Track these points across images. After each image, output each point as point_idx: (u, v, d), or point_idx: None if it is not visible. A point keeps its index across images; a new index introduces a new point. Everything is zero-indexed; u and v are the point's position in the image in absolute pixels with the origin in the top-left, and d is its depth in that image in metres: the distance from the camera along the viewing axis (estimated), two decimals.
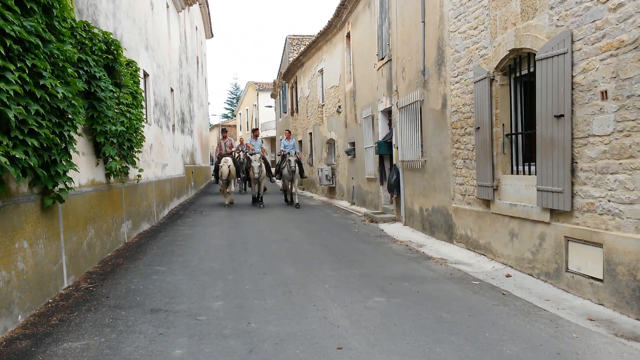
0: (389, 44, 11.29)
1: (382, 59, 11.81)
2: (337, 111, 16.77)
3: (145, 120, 9.05)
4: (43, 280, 4.78)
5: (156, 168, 11.24)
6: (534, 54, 5.97)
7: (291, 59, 24.19)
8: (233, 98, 72.79)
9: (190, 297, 5.20)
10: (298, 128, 23.85)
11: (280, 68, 28.77)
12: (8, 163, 3.56)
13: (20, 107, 3.75)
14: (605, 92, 4.80)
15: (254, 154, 14.34)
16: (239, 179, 17.98)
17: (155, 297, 5.14)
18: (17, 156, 3.71)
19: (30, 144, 3.98)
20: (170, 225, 10.53)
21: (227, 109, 71.46)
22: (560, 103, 5.41)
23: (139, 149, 8.39)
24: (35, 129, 4.04)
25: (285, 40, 26.47)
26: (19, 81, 3.73)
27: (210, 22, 26.15)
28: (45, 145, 4.33)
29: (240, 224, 10.77)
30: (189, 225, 10.58)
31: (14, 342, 3.86)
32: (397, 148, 10.98)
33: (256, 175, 13.46)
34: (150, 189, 10.38)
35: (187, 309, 4.79)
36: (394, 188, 11.05)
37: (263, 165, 13.69)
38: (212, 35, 27.88)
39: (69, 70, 4.78)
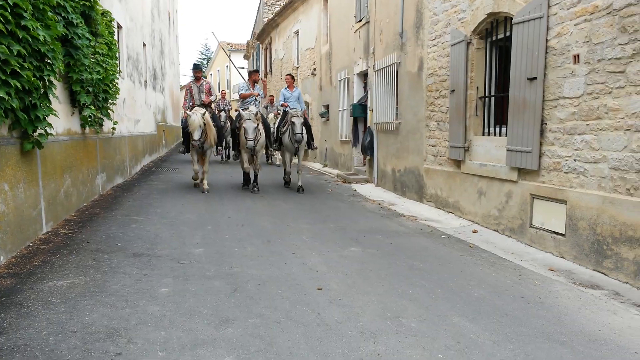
0: (367, 6, 11.27)
1: (360, 20, 11.79)
2: (312, 74, 16.72)
3: (119, 73, 8.89)
4: (23, 224, 4.79)
5: (129, 123, 11.09)
6: (511, 18, 6.13)
7: (266, 20, 23.77)
8: (203, 59, 71.11)
9: (170, 243, 5.30)
10: (272, 90, 23.66)
11: (254, 28, 28.25)
12: None
13: (3, 46, 3.70)
14: (578, 55, 5.02)
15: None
16: (219, 147, 14.09)
17: (137, 243, 5.23)
18: (1, 96, 3.68)
19: (12, 84, 3.94)
20: (144, 180, 10.49)
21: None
22: (533, 66, 5.61)
23: (114, 101, 8.27)
24: (18, 70, 3.99)
25: (260, 0, 25.91)
26: (1, 19, 3.66)
27: None
28: (26, 88, 4.28)
29: (217, 178, 10.81)
30: (162, 181, 10.56)
31: None
32: (372, 110, 11.12)
33: (250, 143, 8.69)
34: (123, 143, 10.27)
35: (169, 254, 4.90)
36: (368, 150, 11.24)
37: (261, 127, 9.18)
38: None
39: (49, 13, 4.68)
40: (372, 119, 11.11)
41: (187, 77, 53.58)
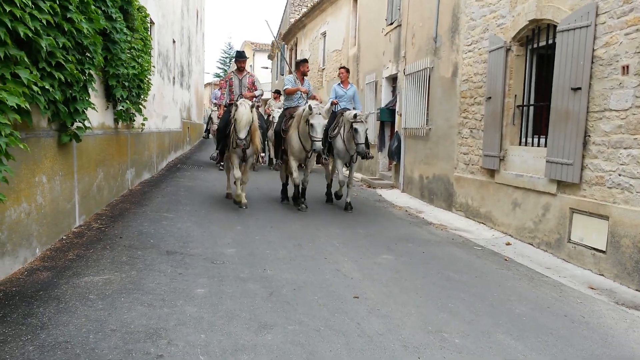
0: (399, 9, 11.15)
1: (391, 24, 11.67)
2: (338, 76, 16.61)
3: (153, 69, 8.92)
4: (58, 217, 4.79)
5: (157, 119, 11.13)
6: (554, 26, 5.96)
7: (292, 20, 23.77)
8: (226, 57, 71.51)
9: (202, 242, 5.26)
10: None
11: (279, 29, 28.28)
12: (40, 92, 3.52)
13: (51, 38, 3.69)
14: (627, 67, 4.84)
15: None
16: (262, 155, 8.86)
17: (169, 241, 5.19)
18: (46, 87, 3.66)
19: (56, 77, 3.93)
20: (170, 177, 10.51)
21: (219, 67, 70.27)
22: (578, 76, 5.45)
23: (145, 97, 8.29)
24: (62, 63, 3.98)
25: (287, 0, 25.93)
26: (50, 11, 3.65)
27: None
28: (68, 80, 4.27)
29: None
30: (188, 178, 10.57)
31: (34, 272, 3.89)
32: (401, 115, 10.99)
33: (318, 144, 6.95)
34: (152, 139, 10.31)
35: (201, 253, 4.86)
36: (395, 155, 11.11)
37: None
38: None
39: (92, 7, 4.68)
40: (401, 124, 10.98)
41: (209, 74, 53.84)
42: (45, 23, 3.53)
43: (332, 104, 8.48)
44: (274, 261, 4.79)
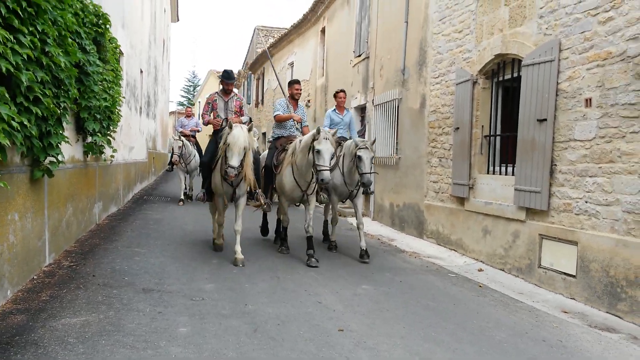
0: (367, 42, 11.46)
1: (359, 55, 11.97)
2: (307, 105, 16.82)
3: (123, 100, 8.82)
4: (29, 256, 4.61)
5: (124, 150, 10.94)
6: (519, 60, 6.26)
7: (259, 50, 24.02)
8: (190, 86, 71.26)
9: (179, 278, 5.15)
10: (262, 120, 23.73)
11: (246, 58, 28.50)
12: (18, 128, 3.44)
13: (30, 73, 3.63)
14: (590, 99, 5.12)
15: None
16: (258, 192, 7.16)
17: (144, 278, 5.06)
18: (24, 123, 3.58)
19: (34, 112, 3.85)
20: (137, 209, 10.29)
21: (183, 96, 69.89)
22: (543, 108, 5.71)
23: (115, 129, 8.17)
24: (40, 97, 3.91)
25: (254, 30, 26.24)
26: (31, 45, 3.60)
27: (177, 4, 25.56)
28: (44, 115, 4.19)
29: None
30: (156, 210, 10.36)
31: (8, 316, 3.72)
32: None
33: (326, 174, 5.80)
34: (119, 171, 10.11)
35: (179, 289, 4.75)
36: None
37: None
38: (178, 19, 27.25)
39: (69, 40, 4.63)
40: None
41: (173, 102, 53.51)
42: (25, 57, 3.48)
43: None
44: (255, 295, 4.73)
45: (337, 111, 7.85)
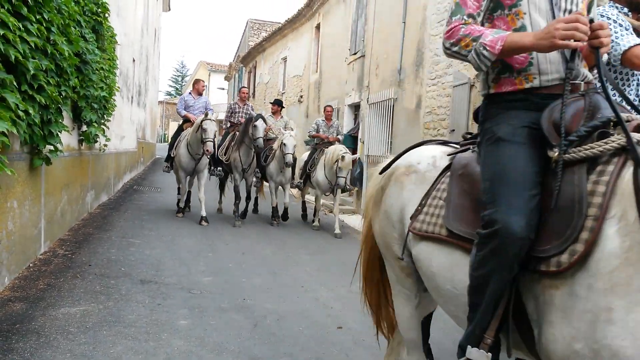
0: (363, 40, 11.49)
1: (355, 54, 12.00)
2: (299, 101, 16.83)
3: (118, 89, 8.74)
4: (26, 243, 4.59)
5: (116, 139, 10.84)
6: None
7: (251, 43, 23.95)
8: (178, 76, 70.71)
9: (176, 270, 5.16)
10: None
11: (238, 51, 28.37)
12: (24, 116, 3.41)
13: (36, 61, 3.60)
14: None
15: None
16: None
17: (141, 269, 5.05)
18: (30, 111, 3.55)
19: (38, 100, 3.82)
20: (128, 199, 10.22)
21: (171, 86, 69.37)
22: None
23: (109, 118, 8.11)
24: (44, 86, 3.87)
25: (247, 23, 26.13)
26: (38, 33, 3.57)
27: None
28: (47, 103, 4.15)
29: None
30: (147, 200, 10.31)
31: (7, 304, 3.70)
32: (363, 142, 11.23)
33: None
34: (110, 160, 10.04)
35: (177, 281, 4.76)
36: (357, 181, 11.28)
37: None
38: (170, 9, 26.99)
39: (72, 28, 4.59)
40: (363, 151, 11.21)
41: (161, 92, 53.07)
42: (33, 46, 3.45)
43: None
44: (252, 290, 4.76)
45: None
